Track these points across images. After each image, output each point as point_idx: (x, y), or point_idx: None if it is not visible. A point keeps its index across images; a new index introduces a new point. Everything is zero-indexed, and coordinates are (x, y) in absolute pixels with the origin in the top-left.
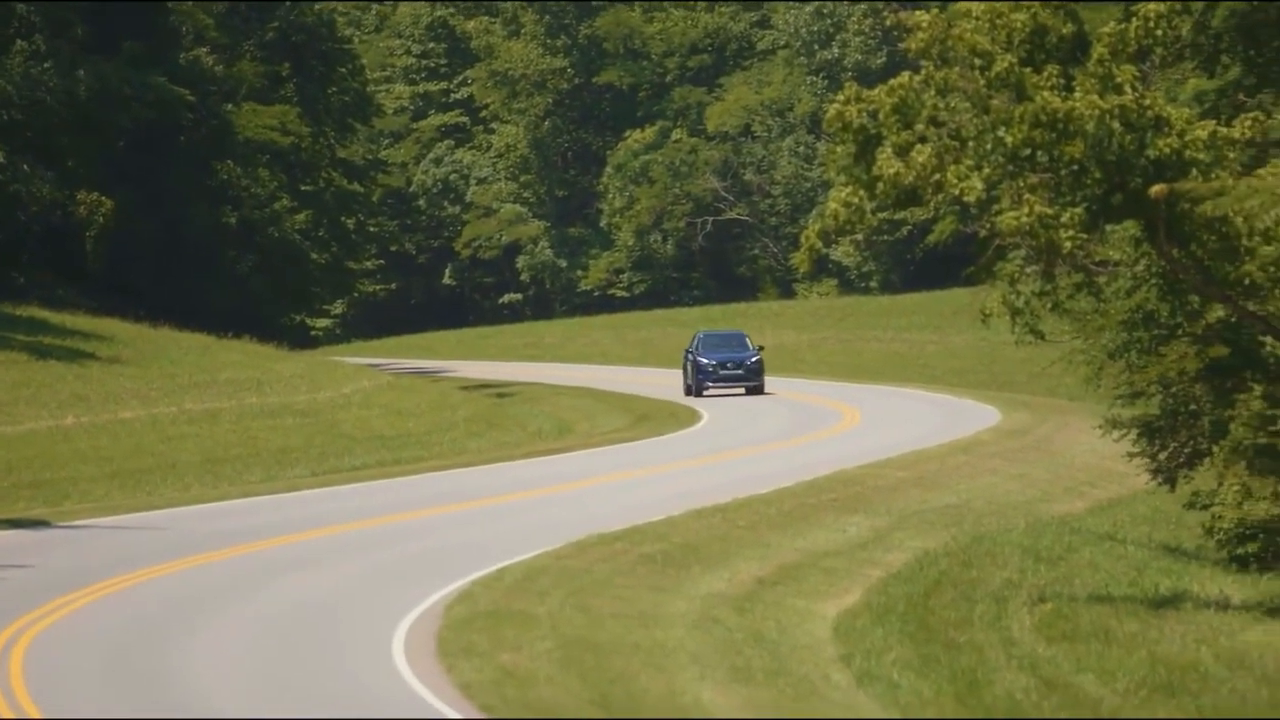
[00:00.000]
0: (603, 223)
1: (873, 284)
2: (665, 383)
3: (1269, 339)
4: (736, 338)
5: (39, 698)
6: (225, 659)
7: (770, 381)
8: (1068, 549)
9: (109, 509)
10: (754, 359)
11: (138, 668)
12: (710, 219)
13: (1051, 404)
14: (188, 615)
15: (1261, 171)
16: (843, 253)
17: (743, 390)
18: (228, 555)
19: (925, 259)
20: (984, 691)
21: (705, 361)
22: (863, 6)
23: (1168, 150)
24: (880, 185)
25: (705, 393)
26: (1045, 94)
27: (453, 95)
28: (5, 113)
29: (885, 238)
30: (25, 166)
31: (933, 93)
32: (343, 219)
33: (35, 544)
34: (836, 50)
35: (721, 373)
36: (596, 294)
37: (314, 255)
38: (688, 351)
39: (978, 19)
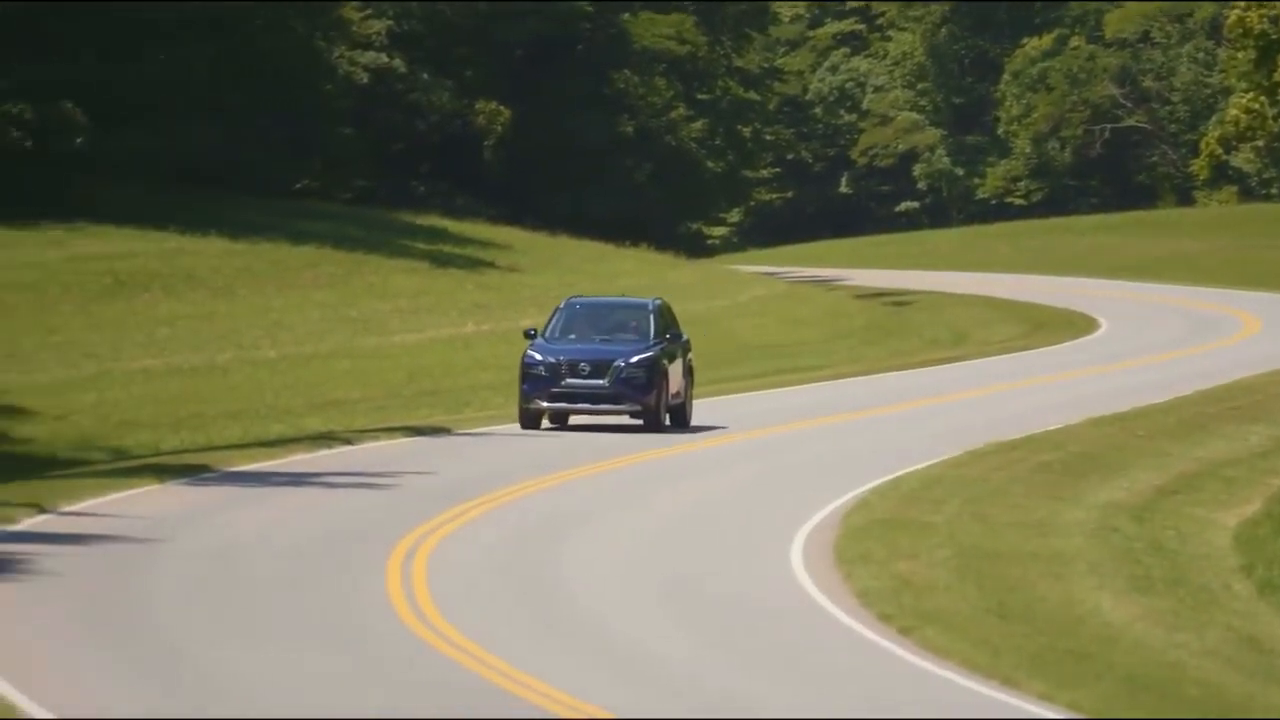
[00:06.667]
0: (999, 130)
1: (1273, 191)
2: (1061, 291)
3: None
4: (635, 310)
5: (442, 605)
6: (620, 564)
7: (1164, 290)
8: None
9: (508, 417)
10: (639, 357)
11: (534, 573)
12: (1108, 126)
13: None
14: (583, 522)
15: None
16: (1243, 159)
17: (626, 417)
18: (621, 464)
19: None
20: None
21: (537, 359)
22: None
23: None
24: None
25: (543, 423)
26: None
27: (849, 3)
28: (406, 24)
29: None
30: (425, 76)
31: None
32: (739, 127)
33: (437, 451)
34: None
35: (567, 382)
36: (993, 202)
37: (710, 164)
38: (527, 332)
39: None
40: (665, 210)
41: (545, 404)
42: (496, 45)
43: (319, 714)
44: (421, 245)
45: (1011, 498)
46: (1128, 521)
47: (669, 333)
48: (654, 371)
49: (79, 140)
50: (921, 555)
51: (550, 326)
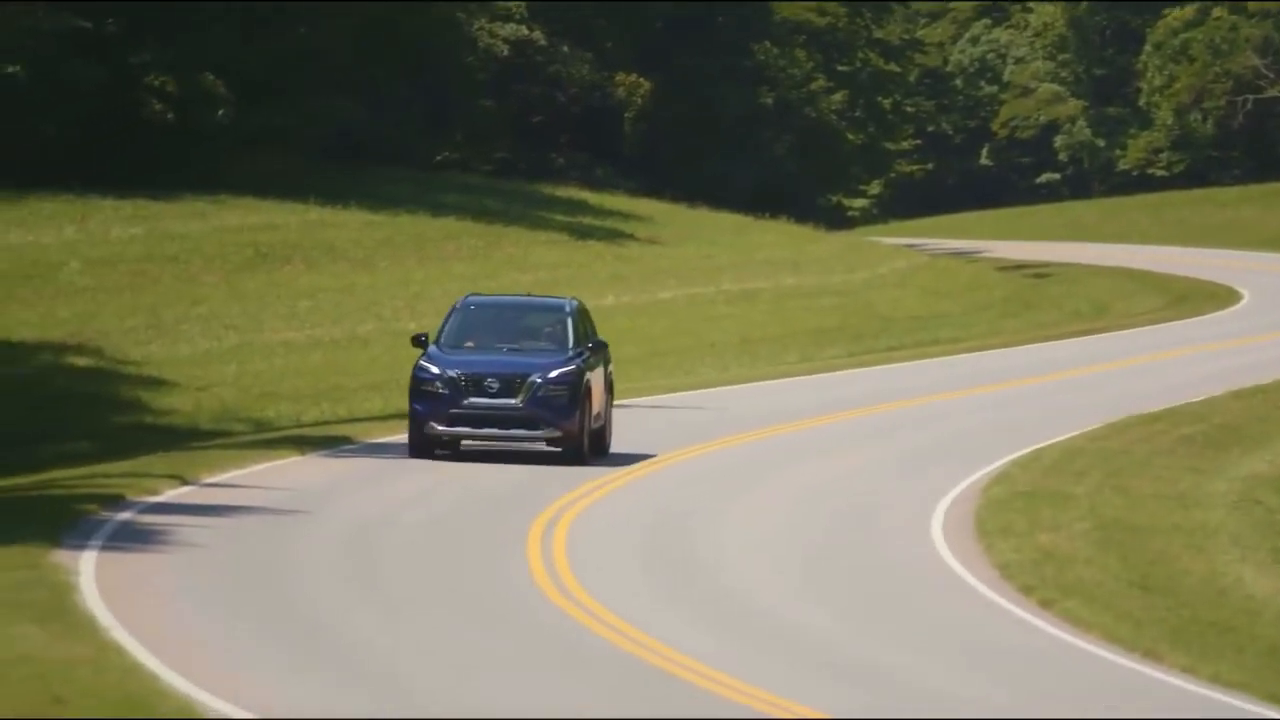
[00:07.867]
0: (1141, 101)
1: None
2: (1203, 263)
3: None
4: (548, 313)
5: (582, 577)
6: (762, 537)
7: None
8: None
9: (647, 389)
10: (559, 371)
11: (675, 545)
12: (1250, 97)
13: None
14: (723, 493)
15: None
16: None
17: (546, 445)
18: (765, 435)
19: None
20: None
21: (433, 373)
22: None
23: None
24: None
25: (438, 451)
26: None
27: None
28: None
29: None
30: (565, 48)
31: None
32: (879, 99)
33: None
34: None
35: (470, 402)
36: (1134, 173)
37: (850, 135)
38: (417, 339)
39: None
40: (805, 182)
41: (442, 428)
42: (636, 17)
43: (465, 690)
44: (561, 217)
45: (1153, 470)
46: (1270, 494)
47: (589, 340)
48: (576, 389)
49: (220, 113)
50: (1063, 528)
51: (444, 332)
